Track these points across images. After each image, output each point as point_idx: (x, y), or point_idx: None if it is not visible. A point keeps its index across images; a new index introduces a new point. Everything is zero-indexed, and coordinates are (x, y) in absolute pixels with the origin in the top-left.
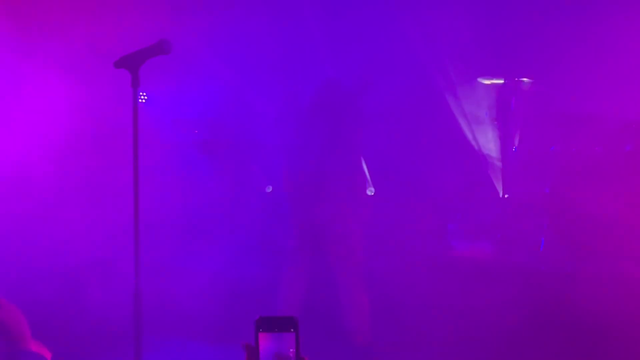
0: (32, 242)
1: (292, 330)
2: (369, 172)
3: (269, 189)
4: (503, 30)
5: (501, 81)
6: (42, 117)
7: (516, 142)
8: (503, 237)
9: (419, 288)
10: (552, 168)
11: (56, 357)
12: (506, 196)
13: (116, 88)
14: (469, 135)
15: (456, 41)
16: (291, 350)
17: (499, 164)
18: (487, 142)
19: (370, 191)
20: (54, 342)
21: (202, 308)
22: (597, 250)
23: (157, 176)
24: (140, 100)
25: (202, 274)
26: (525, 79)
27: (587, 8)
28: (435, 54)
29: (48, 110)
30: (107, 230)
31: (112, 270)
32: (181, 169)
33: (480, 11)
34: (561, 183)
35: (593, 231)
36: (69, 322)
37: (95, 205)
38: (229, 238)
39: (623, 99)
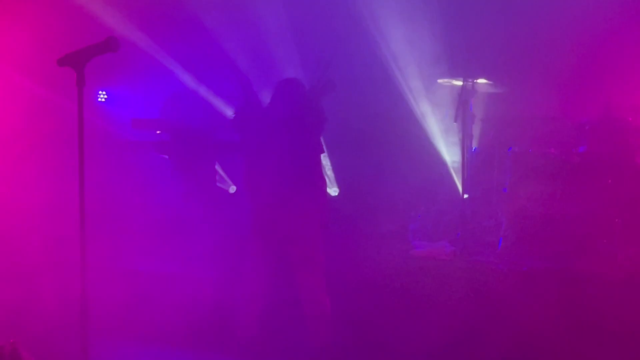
0: None
1: None
2: (333, 172)
3: (233, 189)
4: (462, 32)
5: (460, 82)
6: None
7: (475, 143)
8: (462, 237)
9: (380, 287)
10: (510, 168)
11: None
12: (466, 196)
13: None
14: (430, 136)
15: (416, 42)
16: None
17: (458, 164)
18: (447, 142)
19: (334, 191)
20: None
21: (158, 311)
22: (553, 249)
23: (115, 176)
24: (99, 99)
25: (159, 276)
26: (483, 80)
27: (544, 11)
28: (395, 55)
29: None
30: (57, 233)
31: (62, 273)
32: (141, 169)
33: (439, 12)
34: (518, 183)
35: (548, 230)
36: (16, 325)
37: (48, 206)
38: (190, 240)
39: (577, 101)
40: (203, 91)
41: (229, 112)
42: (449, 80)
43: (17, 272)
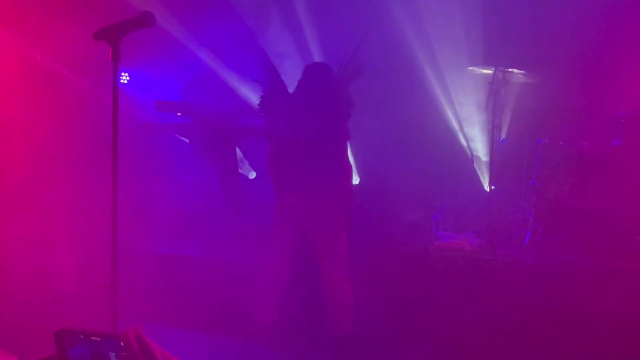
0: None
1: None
2: (354, 160)
3: (252, 175)
4: (495, 19)
5: (491, 71)
6: (17, 95)
7: (504, 134)
8: (488, 229)
9: (403, 277)
10: (539, 160)
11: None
12: (492, 187)
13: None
14: (456, 125)
15: (447, 29)
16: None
17: (486, 154)
18: (474, 132)
19: (355, 180)
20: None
21: (179, 294)
22: (582, 245)
23: (139, 159)
24: (122, 81)
25: (180, 260)
26: (515, 70)
27: (579, 1)
28: (425, 41)
29: (25, 89)
30: (85, 216)
31: (90, 257)
32: (163, 153)
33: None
34: (547, 176)
35: (578, 225)
36: (44, 313)
37: (75, 188)
38: (211, 224)
39: (612, 93)
40: (226, 75)
41: (255, 97)
42: (480, 68)
43: (45, 254)
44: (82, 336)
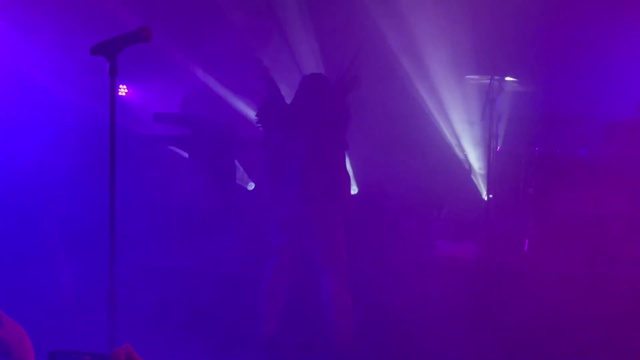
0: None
1: None
2: (352, 170)
3: (251, 186)
4: (491, 28)
5: (487, 80)
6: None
7: (501, 142)
8: (487, 237)
9: (402, 287)
10: (537, 169)
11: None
12: (490, 196)
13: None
14: (454, 135)
15: (442, 40)
16: None
17: (483, 163)
18: (471, 141)
19: (353, 190)
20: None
21: (180, 306)
22: (580, 252)
23: (137, 171)
24: (120, 93)
25: (181, 272)
26: (510, 78)
27: (574, 9)
28: (420, 51)
29: (25, 102)
30: (84, 226)
31: (88, 267)
32: (162, 164)
33: (468, 9)
34: (545, 184)
35: (576, 232)
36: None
37: (73, 199)
38: (210, 236)
39: (608, 100)
40: (224, 86)
41: (252, 108)
42: (476, 77)
43: (44, 266)
44: (74, 357)
